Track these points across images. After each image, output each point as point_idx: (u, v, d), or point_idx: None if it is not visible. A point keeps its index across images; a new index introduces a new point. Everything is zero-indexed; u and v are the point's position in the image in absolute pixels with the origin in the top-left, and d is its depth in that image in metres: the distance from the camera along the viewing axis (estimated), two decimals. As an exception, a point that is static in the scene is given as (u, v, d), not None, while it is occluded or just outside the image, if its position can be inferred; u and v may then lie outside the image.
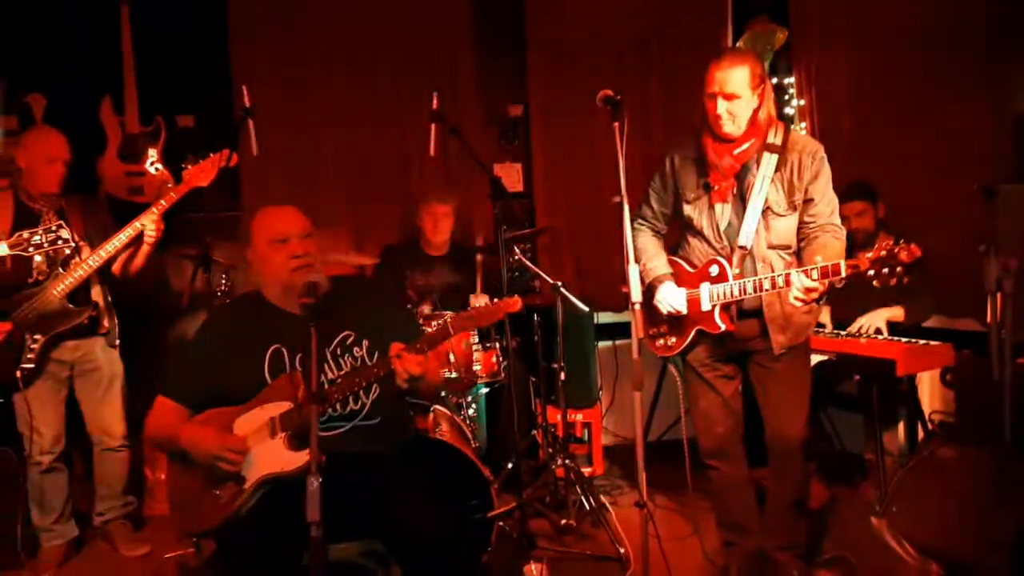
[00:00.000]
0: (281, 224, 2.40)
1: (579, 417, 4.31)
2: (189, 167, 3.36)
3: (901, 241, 2.31)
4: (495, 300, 2.24)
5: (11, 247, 2.77)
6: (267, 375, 2.36)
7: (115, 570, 3.40)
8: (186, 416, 2.38)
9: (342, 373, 2.39)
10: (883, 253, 2.32)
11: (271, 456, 2.26)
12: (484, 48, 4.80)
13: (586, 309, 3.92)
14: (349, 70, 4.56)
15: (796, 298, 2.51)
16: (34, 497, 3.40)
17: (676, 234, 3.00)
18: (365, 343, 2.44)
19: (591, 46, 4.77)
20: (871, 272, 2.34)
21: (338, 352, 2.42)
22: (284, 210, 2.47)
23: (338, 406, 2.34)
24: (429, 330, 2.33)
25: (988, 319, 2.14)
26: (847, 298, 3.87)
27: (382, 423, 2.40)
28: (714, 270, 2.74)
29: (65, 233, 2.79)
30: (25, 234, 2.77)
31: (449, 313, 2.40)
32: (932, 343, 3.31)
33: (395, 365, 2.22)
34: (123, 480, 3.60)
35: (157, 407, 2.43)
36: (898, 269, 2.30)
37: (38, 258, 3.14)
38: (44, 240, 2.76)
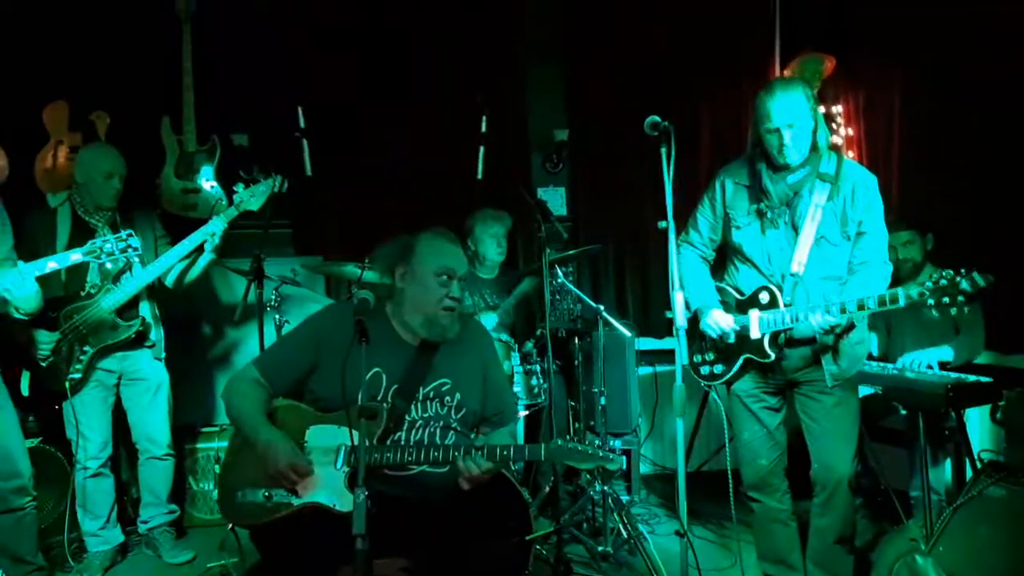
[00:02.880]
0: (453, 261, 2.40)
1: (618, 444, 4.28)
2: (240, 191, 3.46)
3: (963, 270, 2.27)
4: (598, 446, 2.20)
5: (85, 254, 2.87)
6: (360, 395, 2.24)
7: (158, 577, 3.47)
8: (267, 395, 2.37)
9: (424, 416, 2.38)
10: (944, 282, 2.28)
11: (329, 485, 2.26)
12: (531, 73, 4.86)
13: (628, 333, 3.91)
14: (400, 92, 4.64)
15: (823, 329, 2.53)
16: (81, 502, 3.47)
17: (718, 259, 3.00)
18: (458, 396, 2.42)
19: (637, 72, 4.80)
20: (931, 301, 2.31)
21: (430, 395, 2.40)
22: (457, 248, 2.44)
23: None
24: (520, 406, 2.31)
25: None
26: (892, 330, 3.81)
27: (449, 472, 2.34)
28: (764, 297, 2.72)
29: (136, 241, 2.88)
30: (98, 241, 2.87)
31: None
32: (982, 379, 3.24)
33: (460, 464, 2.19)
34: (167, 488, 3.67)
35: (243, 373, 2.41)
36: (959, 299, 2.26)
37: (109, 265, 3.21)
38: (115, 247, 2.85)
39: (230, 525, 2.46)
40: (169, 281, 3.56)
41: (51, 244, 3.33)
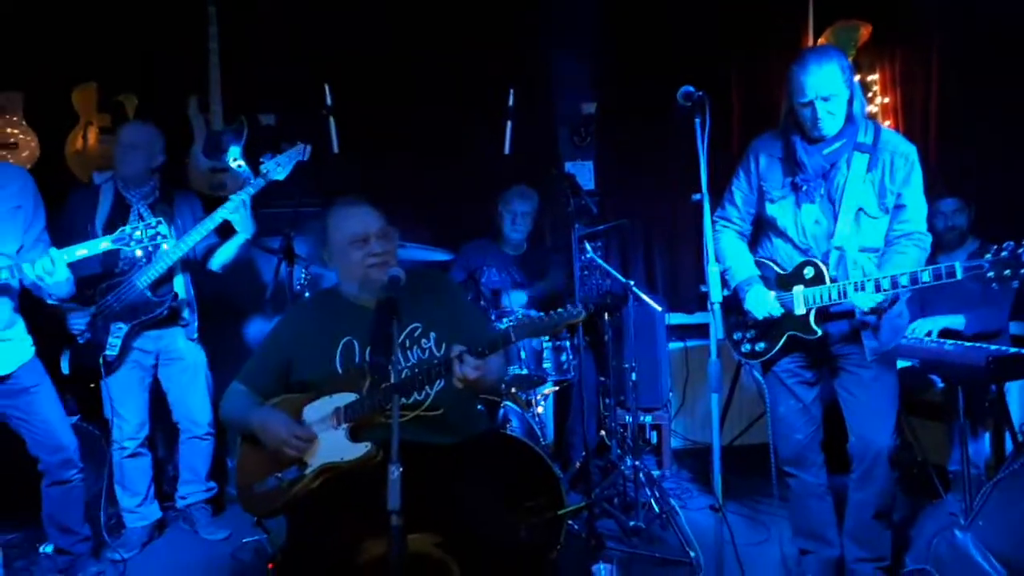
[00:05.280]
0: (360, 224, 2.43)
1: (648, 419, 4.27)
2: (267, 162, 3.45)
3: None
4: (559, 310, 2.20)
5: (114, 242, 2.90)
6: (338, 366, 2.42)
7: (195, 552, 3.52)
8: (256, 401, 2.46)
9: (409, 365, 2.42)
10: (1005, 254, 2.22)
11: (333, 445, 2.32)
12: (558, 47, 4.79)
13: (659, 308, 3.87)
14: (427, 68, 4.60)
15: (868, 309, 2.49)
16: (118, 480, 3.54)
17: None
18: (433, 335, 2.46)
19: (666, 42, 4.71)
20: (991, 274, 2.25)
21: (406, 344, 2.44)
22: (361, 209, 2.48)
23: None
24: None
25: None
26: (925, 306, 3.74)
27: (445, 414, 2.40)
28: (808, 272, 2.65)
29: (164, 228, 2.90)
30: (127, 229, 2.89)
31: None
32: (1023, 352, 3.17)
33: (454, 367, 2.21)
34: (207, 466, 3.72)
35: (230, 389, 2.52)
36: (1021, 271, 2.21)
37: (138, 252, 3.29)
38: (144, 235, 2.88)
39: (255, 520, 2.53)
40: (215, 265, 3.56)
41: (90, 218, 3.39)
